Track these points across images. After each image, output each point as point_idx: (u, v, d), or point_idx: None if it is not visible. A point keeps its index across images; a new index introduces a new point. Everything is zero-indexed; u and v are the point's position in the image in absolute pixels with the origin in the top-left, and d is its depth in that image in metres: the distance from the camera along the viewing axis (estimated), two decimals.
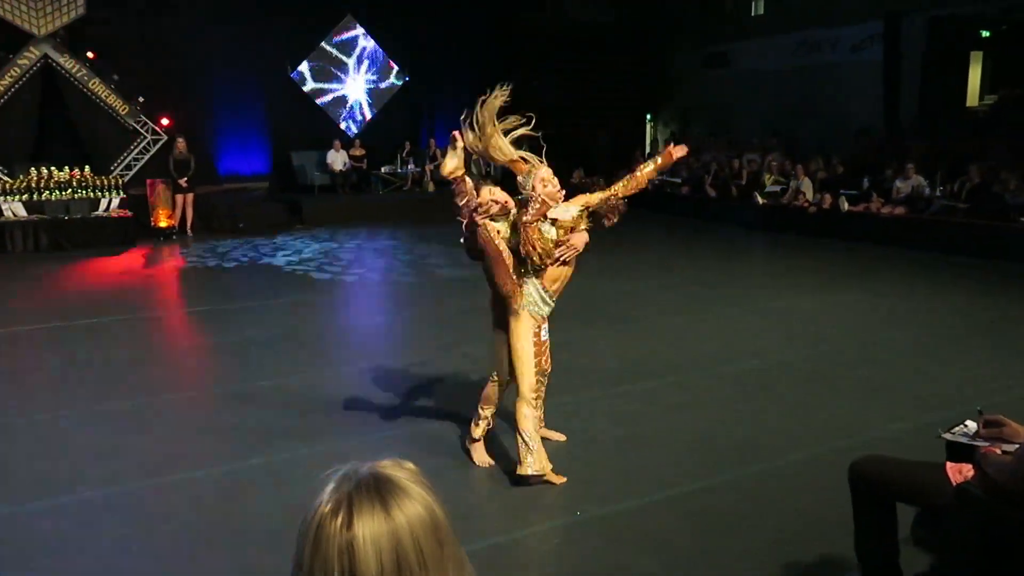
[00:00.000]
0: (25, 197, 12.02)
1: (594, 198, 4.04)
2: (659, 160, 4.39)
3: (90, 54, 13.70)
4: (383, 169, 16.01)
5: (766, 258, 10.60)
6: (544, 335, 4.03)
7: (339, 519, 1.03)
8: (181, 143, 13.19)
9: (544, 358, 4.05)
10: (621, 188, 4.11)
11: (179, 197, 13.08)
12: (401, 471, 1.10)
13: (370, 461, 1.10)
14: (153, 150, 14.18)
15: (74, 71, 13.67)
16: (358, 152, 15.81)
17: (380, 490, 1.06)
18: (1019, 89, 14.45)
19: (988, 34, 15.12)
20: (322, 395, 5.42)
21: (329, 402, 5.26)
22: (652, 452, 4.45)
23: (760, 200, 13.40)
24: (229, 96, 15.66)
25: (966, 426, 2.74)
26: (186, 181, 13.01)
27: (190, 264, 10.68)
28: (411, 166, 16.05)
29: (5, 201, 11.88)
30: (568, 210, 3.95)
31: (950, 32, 14.73)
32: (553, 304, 4.04)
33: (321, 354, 6.57)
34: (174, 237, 12.92)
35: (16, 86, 13.35)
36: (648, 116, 21.15)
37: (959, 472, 2.52)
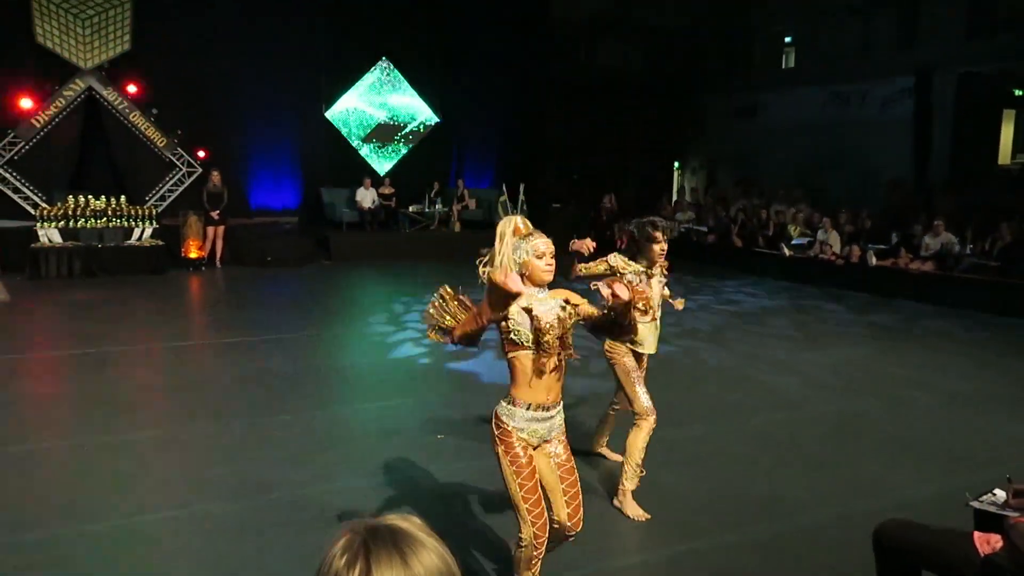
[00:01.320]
0: (61, 224, 12.29)
1: (584, 306, 3.08)
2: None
3: (133, 88, 14.11)
4: (410, 208, 16.18)
5: (791, 310, 10.51)
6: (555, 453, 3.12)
7: (356, 571, 1.03)
8: (216, 176, 13.47)
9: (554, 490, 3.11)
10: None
11: (210, 229, 13.32)
12: (411, 523, 1.11)
13: (377, 517, 1.11)
14: (188, 182, 14.49)
15: (116, 103, 14.08)
16: (387, 191, 16.02)
17: (396, 541, 1.07)
18: None
19: (1021, 92, 15.08)
20: (342, 431, 5.43)
21: (349, 439, 5.27)
22: (671, 505, 4.38)
23: (787, 251, 13.35)
24: (263, 132, 16.00)
25: (995, 494, 2.68)
26: (218, 213, 13.25)
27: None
28: (438, 206, 16.21)
29: (42, 227, 12.16)
30: (548, 304, 3.01)
31: (981, 89, 14.72)
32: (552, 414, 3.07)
33: (339, 391, 6.59)
34: (203, 268, 13.11)
35: (60, 116, 13.77)
36: (676, 164, 21.26)
37: (987, 542, 2.46)
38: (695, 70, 19.69)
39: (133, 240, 12.71)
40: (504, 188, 16.46)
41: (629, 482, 4.24)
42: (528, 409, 2.99)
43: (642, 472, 4.25)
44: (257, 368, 7.03)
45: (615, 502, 4.31)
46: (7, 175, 13.43)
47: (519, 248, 3.01)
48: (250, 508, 4.20)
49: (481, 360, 7.41)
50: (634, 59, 20.07)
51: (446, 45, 16.94)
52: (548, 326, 2.92)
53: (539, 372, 2.97)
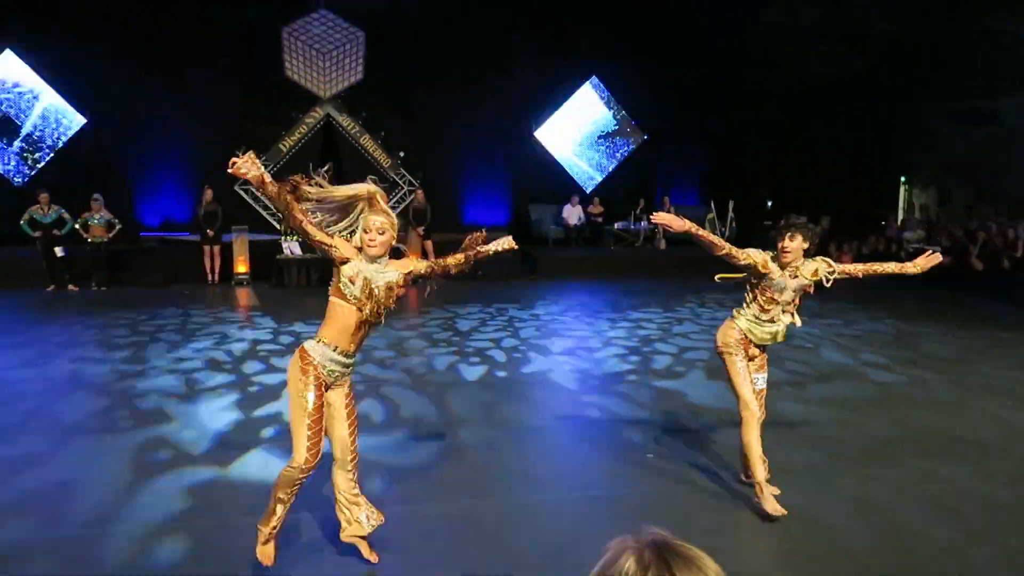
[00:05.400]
0: (301, 238, 13.62)
1: (420, 265, 3.67)
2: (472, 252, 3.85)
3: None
4: (616, 225, 16.27)
5: None
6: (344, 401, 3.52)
7: None
8: (420, 194, 14.37)
9: (345, 426, 3.51)
10: (453, 263, 3.70)
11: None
12: (684, 543, 1.13)
13: (646, 533, 1.13)
14: (409, 200, 15.56)
15: (349, 128, 15.43)
16: (597, 209, 16.23)
17: (687, 559, 1.08)
18: None
19: None
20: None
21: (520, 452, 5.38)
22: (883, 551, 4.04)
23: None
24: (476, 151, 16.87)
25: None
26: (423, 229, 14.06)
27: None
28: (644, 223, 16.16)
29: (285, 240, 13.56)
30: (385, 274, 3.47)
31: None
32: (351, 362, 3.52)
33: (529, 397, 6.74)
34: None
35: (303, 141, 15.33)
36: (903, 178, 19.67)
37: None
38: (920, 75, 18.12)
39: None
40: (712, 205, 16.12)
41: (760, 474, 4.27)
42: (335, 351, 3.42)
43: (764, 460, 4.29)
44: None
45: (755, 500, 4.30)
46: (258, 194, 15.13)
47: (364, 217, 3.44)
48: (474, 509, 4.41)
49: (690, 382, 7.29)
50: (850, 66, 18.81)
51: (653, 62, 16.91)
52: (376, 293, 3.40)
53: (352, 324, 3.42)
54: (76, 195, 12.87)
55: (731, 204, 15.88)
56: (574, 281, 14.08)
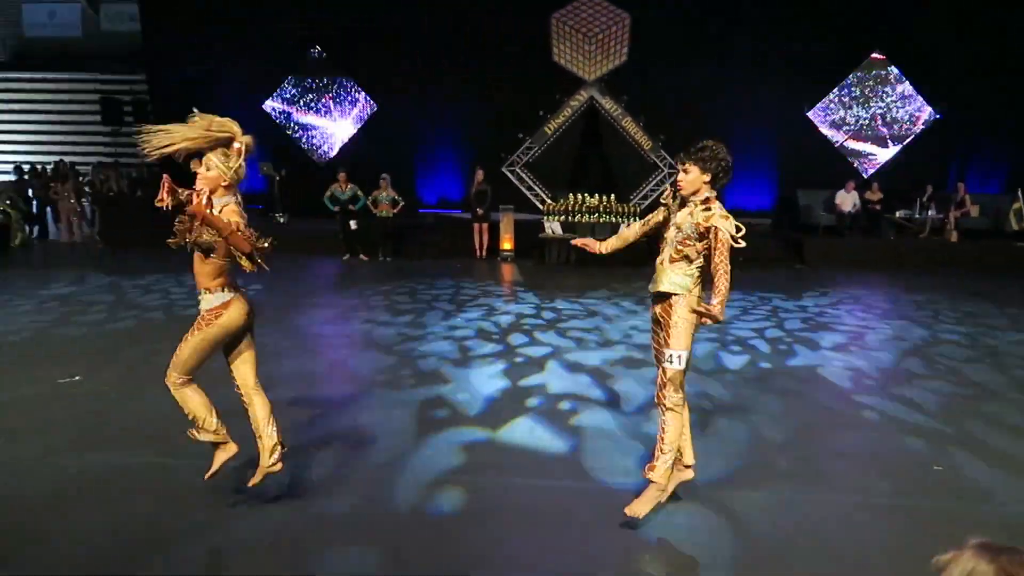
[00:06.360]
0: (562, 218, 14.05)
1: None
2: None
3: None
4: (897, 213, 14.84)
5: None
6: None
7: None
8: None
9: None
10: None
11: None
12: None
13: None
14: (668, 183, 15.37)
15: (612, 110, 15.55)
16: (875, 196, 14.91)
17: None
18: None
19: None
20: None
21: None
22: None
23: None
24: (744, 134, 16.16)
25: None
26: None
27: None
28: (931, 211, 14.58)
29: (547, 220, 14.04)
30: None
31: None
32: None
33: None
34: None
35: (567, 123, 15.72)
36: None
37: None
38: None
39: None
40: (1020, 194, 14.20)
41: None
42: None
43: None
44: None
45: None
46: (523, 175, 15.82)
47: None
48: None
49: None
50: None
51: (947, 30, 15.09)
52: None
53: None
54: (369, 174, 14.33)
55: None
56: (846, 272, 13.09)
